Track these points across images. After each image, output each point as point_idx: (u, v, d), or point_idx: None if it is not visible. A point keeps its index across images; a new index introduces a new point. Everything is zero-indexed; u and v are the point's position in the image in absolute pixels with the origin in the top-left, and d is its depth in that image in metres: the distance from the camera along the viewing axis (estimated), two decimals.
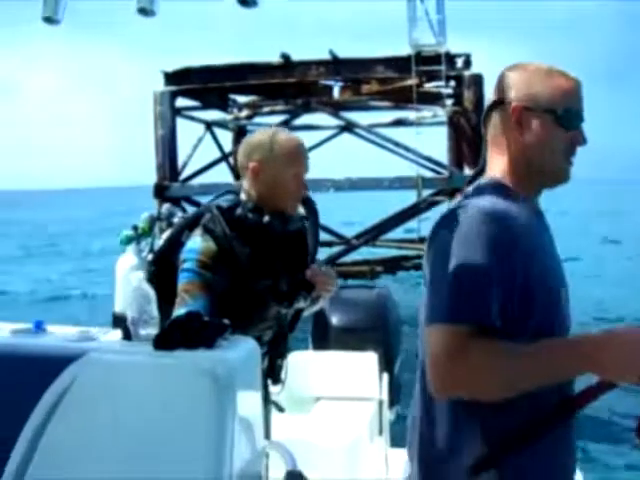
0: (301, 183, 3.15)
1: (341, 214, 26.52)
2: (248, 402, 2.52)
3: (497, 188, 1.97)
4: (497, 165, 2.03)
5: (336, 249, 16.76)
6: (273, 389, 3.28)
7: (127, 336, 2.55)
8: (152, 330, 2.51)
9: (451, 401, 1.83)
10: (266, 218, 3.09)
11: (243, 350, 2.52)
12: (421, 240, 17.00)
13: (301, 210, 3.27)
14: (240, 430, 2.42)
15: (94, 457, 2.39)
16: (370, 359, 4.33)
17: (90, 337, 2.58)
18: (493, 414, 1.81)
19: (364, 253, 17.26)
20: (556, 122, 1.95)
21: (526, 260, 1.82)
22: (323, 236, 18.35)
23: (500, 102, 2.02)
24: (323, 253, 16.55)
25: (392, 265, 16.28)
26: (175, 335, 2.47)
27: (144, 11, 2.48)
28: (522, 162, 1.99)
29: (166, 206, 3.32)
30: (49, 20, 2.58)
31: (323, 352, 4.54)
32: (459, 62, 15.78)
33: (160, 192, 15.11)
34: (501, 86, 2.05)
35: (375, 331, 4.82)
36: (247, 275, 2.98)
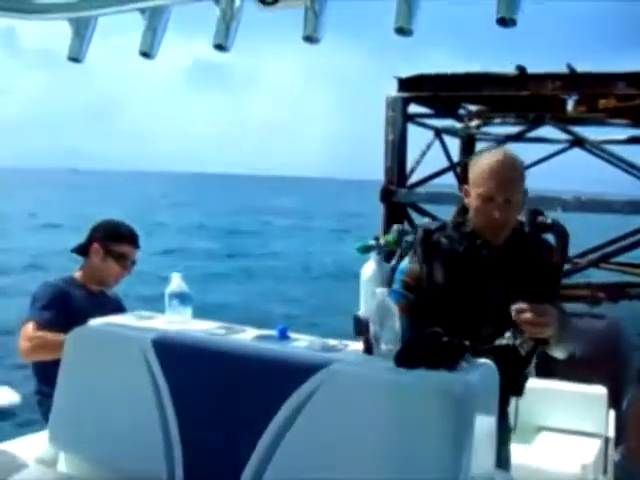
0: (490, 205, 2.98)
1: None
2: (484, 426, 2.51)
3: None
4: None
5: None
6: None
7: (368, 350, 2.60)
8: (393, 346, 2.55)
9: None
10: (461, 246, 3.00)
11: (483, 373, 2.51)
12: None
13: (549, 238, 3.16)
14: (474, 454, 2.42)
15: (328, 466, 2.46)
16: (599, 393, 4.18)
17: (333, 348, 2.66)
18: None
19: (584, 276, 16.56)
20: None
21: None
22: None
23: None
24: None
25: (615, 291, 15.52)
26: (415, 353, 2.49)
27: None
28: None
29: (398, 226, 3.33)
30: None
31: (549, 380, 4.43)
32: None
33: (387, 196, 15.26)
34: None
35: (604, 363, 4.65)
36: (444, 298, 2.93)
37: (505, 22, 2.33)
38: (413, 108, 16.46)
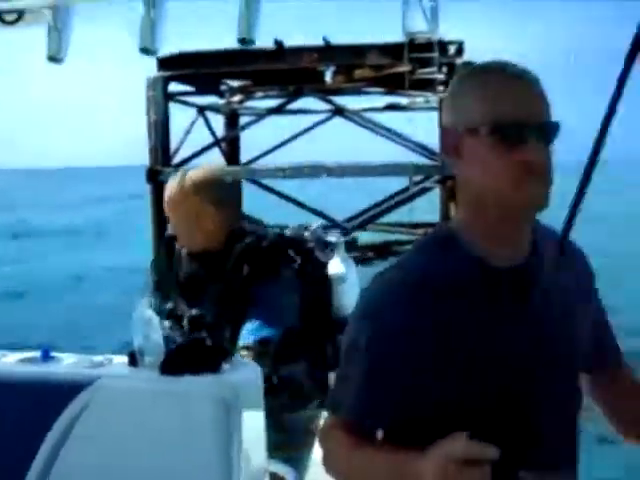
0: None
1: (335, 199, 26.47)
2: (252, 424, 2.63)
3: (441, 243, 1.63)
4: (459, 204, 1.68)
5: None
6: None
7: (133, 362, 2.65)
8: (157, 356, 2.61)
9: None
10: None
11: (246, 373, 2.62)
12: (412, 225, 17.12)
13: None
14: (245, 451, 2.54)
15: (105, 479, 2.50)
16: None
17: (99, 364, 2.68)
18: None
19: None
20: (490, 144, 1.53)
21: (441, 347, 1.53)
22: (312, 219, 18.49)
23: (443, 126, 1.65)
24: None
25: (384, 250, 16.36)
26: (179, 360, 2.57)
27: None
28: (470, 203, 1.61)
29: None
30: (53, 59, 2.67)
31: None
32: (451, 49, 15.87)
33: (153, 176, 15.18)
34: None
35: None
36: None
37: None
38: (175, 87, 16.44)
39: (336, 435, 1.62)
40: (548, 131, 1.56)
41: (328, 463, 1.65)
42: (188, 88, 17.20)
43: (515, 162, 1.50)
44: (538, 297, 1.54)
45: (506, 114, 1.51)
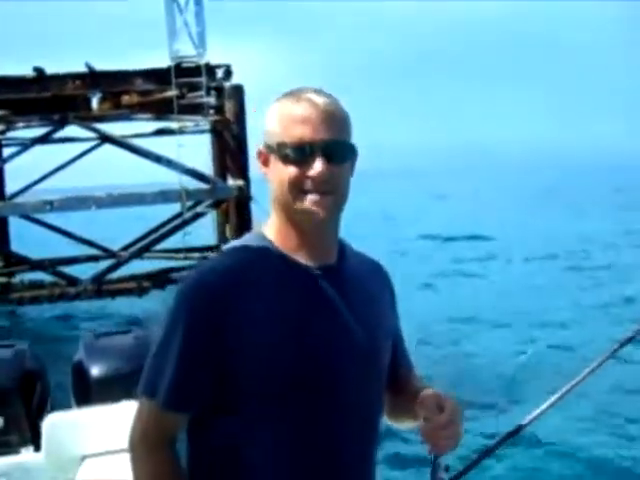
0: None
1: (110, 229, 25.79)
2: None
3: (252, 247, 1.79)
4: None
5: (104, 264, 16.30)
6: (36, 455, 3.18)
7: None
8: None
9: None
10: None
11: None
12: (189, 250, 16.96)
13: None
14: None
15: None
16: (134, 407, 4.29)
17: None
18: None
19: (133, 268, 16.94)
20: (281, 159, 1.75)
21: (240, 337, 1.67)
22: (87, 250, 17.90)
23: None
24: (91, 268, 16.11)
25: (161, 279, 16.09)
26: None
27: None
28: (275, 210, 1.82)
29: None
30: None
31: (85, 408, 4.46)
32: (219, 73, 15.91)
33: None
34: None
35: (137, 376, 4.76)
36: None
37: None
38: None
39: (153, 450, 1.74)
40: (335, 149, 1.74)
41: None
42: None
43: (298, 177, 1.72)
44: (343, 295, 1.77)
45: (293, 135, 1.72)
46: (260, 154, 1.82)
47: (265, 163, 1.81)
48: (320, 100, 1.74)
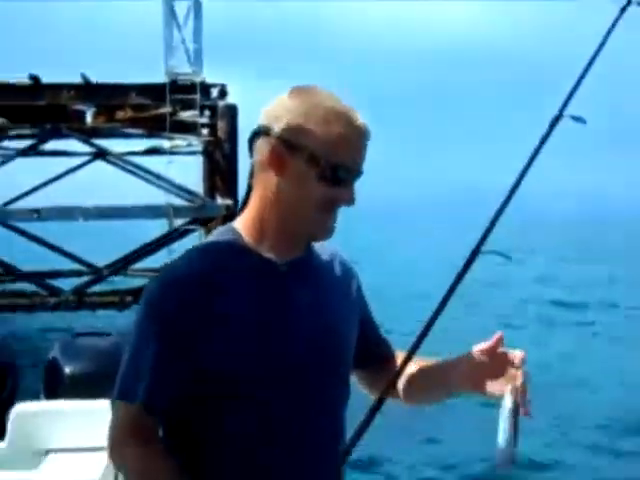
0: None
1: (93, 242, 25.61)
2: None
3: (221, 243, 1.75)
4: (251, 206, 1.78)
5: (85, 278, 16.19)
6: None
7: None
8: None
9: None
10: None
11: None
12: None
13: None
14: None
15: None
16: (104, 407, 4.21)
17: None
18: None
19: (116, 283, 16.82)
20: (320, 176, 1.69)
21: (211, 335, 1.66)
22: (70, 265, 17.68)
23: (266, 132, 1.73)
24: (72, 282, 15.95)
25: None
26: None
27: None
28: (270, 209, 1.74)
29: None
30: None
31: (55, 401, 4.38)
32: (214, 92, 15.94)
33: None
34: (272, 111, 1.75)
35: (110, 379, 4.70)
36: None
37: None
38: None
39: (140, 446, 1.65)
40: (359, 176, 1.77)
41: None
42: None
43: (334, 199, 1.72)
44: (310, 287, 1.79)
45: (344, 156, 1.70)
46: (279, 155, 1.71)
47: (282, 164, 1.71)
48: (365, 127, 1.75)
